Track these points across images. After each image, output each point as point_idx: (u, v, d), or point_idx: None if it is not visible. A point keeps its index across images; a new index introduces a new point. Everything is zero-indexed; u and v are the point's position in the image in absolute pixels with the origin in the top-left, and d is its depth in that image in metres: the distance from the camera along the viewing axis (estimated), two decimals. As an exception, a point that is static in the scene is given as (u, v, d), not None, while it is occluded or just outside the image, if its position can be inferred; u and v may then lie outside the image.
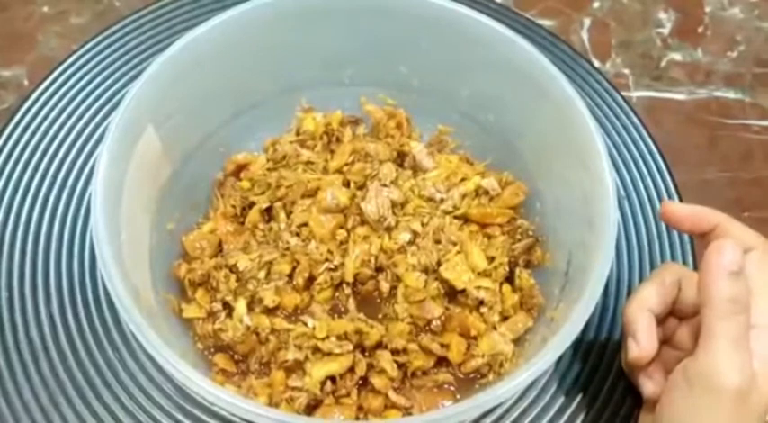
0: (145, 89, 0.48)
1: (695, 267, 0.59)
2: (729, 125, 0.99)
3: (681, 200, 0.64)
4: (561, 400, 0.54)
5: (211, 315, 0.52)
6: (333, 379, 0.50)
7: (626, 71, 1.03)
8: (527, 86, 0.53)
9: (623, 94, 1.02)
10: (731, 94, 1.02)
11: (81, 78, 0.66)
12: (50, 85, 0.66)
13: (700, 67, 1.04)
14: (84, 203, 0.59)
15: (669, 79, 1.03)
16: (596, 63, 1.04)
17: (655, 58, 1.04)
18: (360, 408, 0.50)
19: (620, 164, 0.64)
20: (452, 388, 0.52)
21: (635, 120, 0.68)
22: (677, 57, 1.04)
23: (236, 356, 0.52)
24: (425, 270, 0.52)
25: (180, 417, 0.52)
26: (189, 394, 0.52)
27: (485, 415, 0.53)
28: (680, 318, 0.49)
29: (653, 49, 1.02)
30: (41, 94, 0.65)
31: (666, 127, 1.00)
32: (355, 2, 0.54)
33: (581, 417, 0.53)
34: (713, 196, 0.94)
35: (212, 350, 0.52)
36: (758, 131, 0.99)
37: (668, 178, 0.64)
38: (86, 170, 0.61)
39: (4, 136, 0.62)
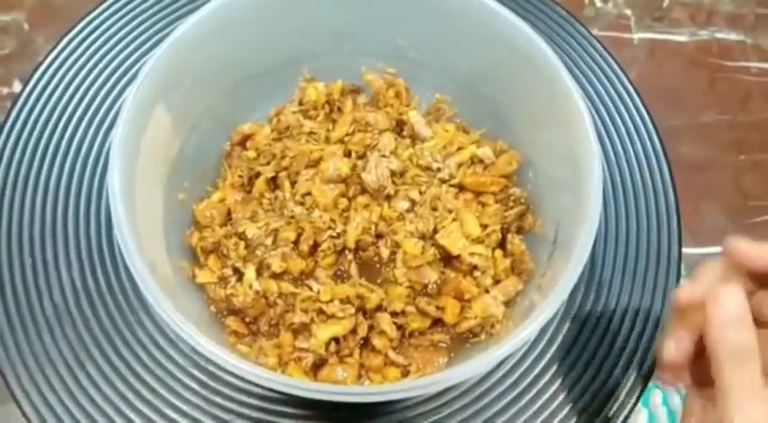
0: (155, 70, 0.50)
1: (679, 231, 0.62)
2: (729, 67, 1.00)
3: (668, 163, 0.66)
4: (546, 359, 0.57)
5: (223, 280, 0.55)
6: (336, 340, 0.53)
7: (628, 12, 1.03)
8: (517, 58, 0.54)
9: (625, 35, 1.03)
10: (733, 36, 1.02)
11: (91, 44, 0.68)
12: (62, 50, 0.67)
13: (702, 7, 1.04)
14: (99, 173, 0.62)
15: (671, 20, 1.03)
16: (598, 3, 1.04)
17: (657, -1, 1.04)
18: (362, 366, 0.54)
19: (613, 131, 0.66)
20: (447, 347, 0.56)
21: (630, 88, 0.68)
22: (680, -4, 1.04)
23: (246, 319, 0.55)
24: (423, 237, 0.55)
25: (196, 372, 0.56)
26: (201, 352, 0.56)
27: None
28: None
29: (656, -12, 1.02)
30: (54, 60, 0.67)
31: (667, 69, 1.01)
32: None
33: (562, 377, 0.57)
34: (711, 139, 0.96)
35: (224, 313, 0.56)
36: (758, 74, 1.00)
37: (659, 146, 0.66)
38: (98, 139, 0.64)
39: (18, 106, 0.64)
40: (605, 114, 0.67)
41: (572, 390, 0.56)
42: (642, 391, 0.56)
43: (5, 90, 0.91)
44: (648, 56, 1.01)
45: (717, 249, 0.89)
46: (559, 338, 0.58)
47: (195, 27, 0.52)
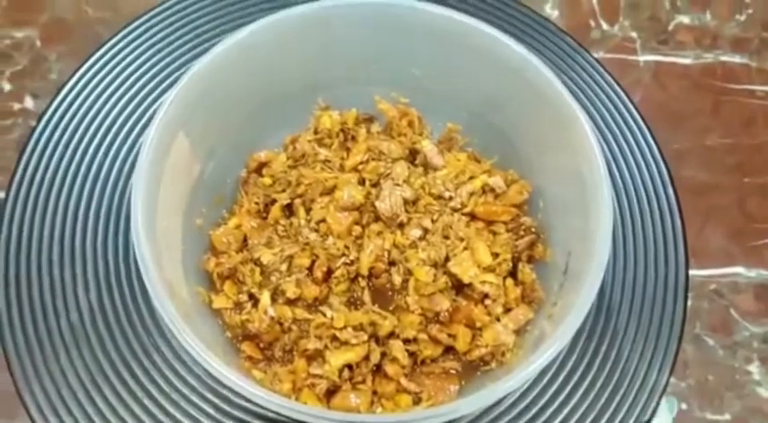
0: (177, 101, 0.52)
1: (686, 255, 0.63)
2: (734, 90, 1.01)
3: (675, 191, 0.66)
4: (555, 386, 0.58)
5: (238, 306, 0.56)
6: (350, 366, 0.54)
7: (634, 34, 1.04)
8: (527, 89, 0.56)
9: (630, 58, 1.04)
10: (737, 59, 1.03)
11: (113, 69, 0.69)
12: (84, 73, 0.69)
13: (707, 30, 1.05)
14: (117, 196, 0.63)
15: (676, 43, 1.04)
16: (605, 26, 1.05)
17: (663, 22, 1.05)
18: (374, 392, 0.55)
19: (620, 157, 0.67)
20: (458, 374, 0.56)
21: (637, 116, 0.69)
22: (685, 20, 1.05)
23: (261, 344, 0.56)
24: (435, 265, 0.56)
25: (210, 396, 0.57)
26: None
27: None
28: None
29: (661, 11, 1.03)
30: (76, 83, 0.68)
31: (671, 91, 1.02)
32: (371, 14, 0.56)
33: (571, 404, 0.58)
34: (715, 161, 0.96)
35: (240, 338, 0.56)
36: (762, 97, 1.01)
37: (665, 172, 0.66)
38: (117, 163, 0.65)
39: (41, 126, 0.66)
40: (612, 140, 0.68)
41: (582, 416, 0.57)
42: (651, 418, 0.57)
43: (17, 106, 0.92)
44: (653, 78, 1.02)
45: (721, 271, 0.90)
46: (569, 365, 0.59)
47: (216, 59, 0.54)
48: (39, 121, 0.66)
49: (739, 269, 0.90)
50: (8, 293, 0.60)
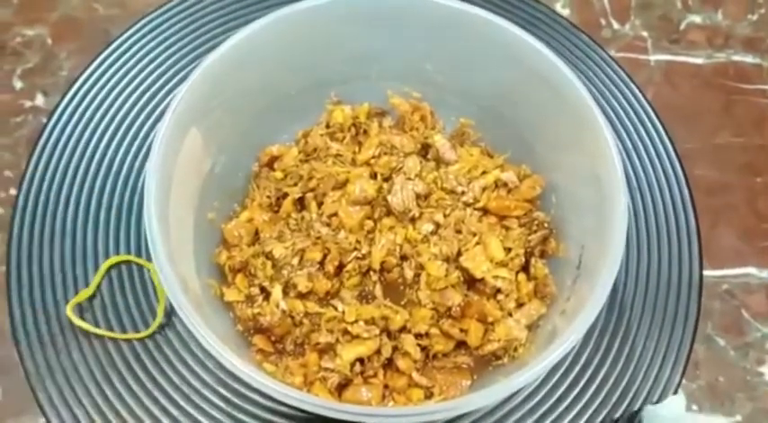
0: (189, 95, 0.51)
1: (700, 252, 0.63)
2: (745, 90, 1.00)
3: (689, 189, 0.66)
4: (568, 382, 0.58)
5: (250, 299, 0.56)
6: (361, 360, 0.54)
7: (644, 34, 1.04)
8: (541, 84, 0.55)
9: (641, 57, 1.04)
10: (749, 59, 1.02)
11: (124, 64, 0.70)
12: (96, 69, 0.69)
13: (719, 30, 1.04)
14: (128, 191, 0.64)
15: (687, 42, 1.03)
16: (615, 25, 1.05)
17: (674, 21, 1.04)
18: (386, 386, 0.55)
19: (633, 154, 0.67)
20: (470, 369, 0.56)
21: (651, 114, 0.69)
22: (697, 19, 1.05)
23: (272, 338, 0.56)
24: (447, 259, 0.56)
25: (221, 389, 0.57)
26: (228, 370, 0.57)
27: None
28: None
29: (673, 11, 1.02)
30: (87, 78, 0.69)
31: (682, 91, 1.01)
32: (384, 8, 0.56)
33: (583, 400, 0.58)
34: (726, 161, 0.96)
35: (251, 332, 0.56)
36: (774, 97, 1.00)
37: (679, 170, 0.66)
38: (128, 158, 0.66)
39: (51, 123, 0.66)
40: (626, 137, 0.68)
41: (593, 412, 0.57)
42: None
43: (28, 103, 0.93)
44: (664, 77, 1.02)
45: (732, 272, 0.90)
46: (581, 361, 0.59)
47: (227, 53, 0.53)
48: (50, 117, 0.66)
49: (751, 269, 0.89)
50: (20, 288, 0.60)
